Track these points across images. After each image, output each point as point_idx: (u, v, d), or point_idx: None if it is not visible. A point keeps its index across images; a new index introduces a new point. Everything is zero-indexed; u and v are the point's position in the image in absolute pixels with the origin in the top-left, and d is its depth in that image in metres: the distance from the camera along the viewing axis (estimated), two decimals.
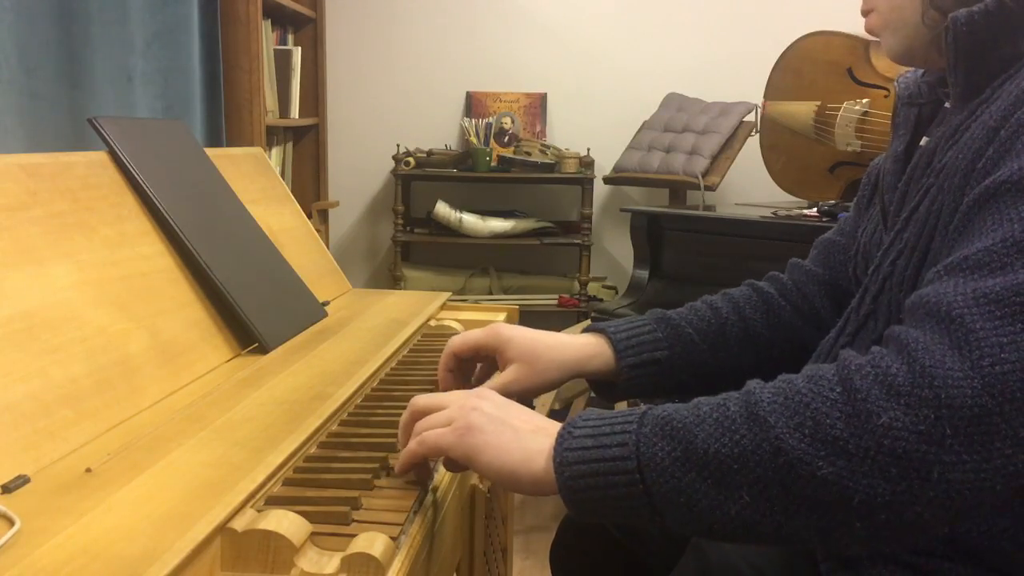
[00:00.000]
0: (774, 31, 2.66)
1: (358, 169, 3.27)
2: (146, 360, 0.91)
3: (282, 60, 2.81)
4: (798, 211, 2.28)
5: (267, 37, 2.66)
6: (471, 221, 2.99)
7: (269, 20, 2.68)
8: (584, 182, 2.96)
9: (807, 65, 2.41)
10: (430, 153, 3.02)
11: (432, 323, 1.38)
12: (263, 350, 1.09)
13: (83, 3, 1.72)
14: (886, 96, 2.21)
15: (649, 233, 2.43)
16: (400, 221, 3.01)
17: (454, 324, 1.38)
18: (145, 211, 1.04)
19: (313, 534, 0.67)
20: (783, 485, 0.60)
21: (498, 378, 0.92)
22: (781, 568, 0.83)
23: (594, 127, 3.17)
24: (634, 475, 0.64)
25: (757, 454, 0.61)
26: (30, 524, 0.62)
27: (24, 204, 0.86)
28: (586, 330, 0.97)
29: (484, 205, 3.10)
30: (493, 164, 3.01)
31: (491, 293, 3.13)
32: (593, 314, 2.46)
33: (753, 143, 2.67)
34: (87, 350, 0.83)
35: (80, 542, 0.60)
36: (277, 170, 1.83)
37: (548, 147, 3.04)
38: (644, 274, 2.44)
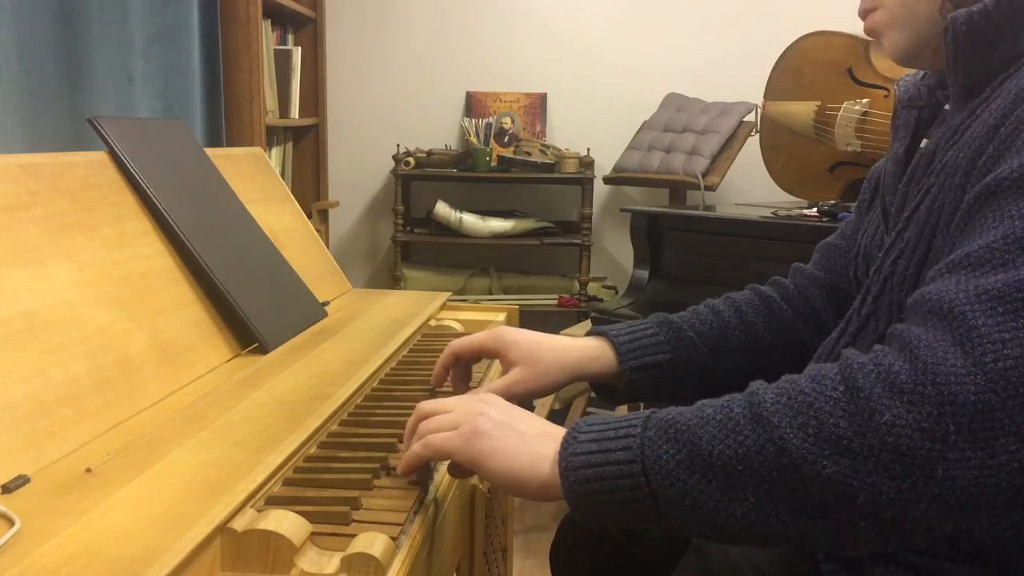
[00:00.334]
0: (774, 31, 2.66)
1: (358, 169, 3.27)
2: (146, 360, 0.91)
3: (282, 60, 2.81)
4: (798, 211, 2.28)
5: (267, 37, 2.66)
6: (471, 221, 2.99)
7: (269, 20, 2.68)
8: (584, 182, 2.96)
9: (807, 65, 2.41)
10: (430, 153, 3.02)
11: (432, 323, 1.38)
12: (263, 350, 1.09)
13: (83, 3, 1.72)
14: (886, 96, 2.21)
15: (649, 233, 2.43)
16: (400, 221, 3.01)
17: (454, 324, 1.39)
18: (145, 211, 1.04)
19: (313, 534, 0.67)
20: (788, 485, 0.60)
21: (501, 380, 0.92)
22: (783, 569, 0.83)
23: (594, 127, 3.17)
24: (639, 478, 0.64)
25: (761, 455, 0.61)
26: (30, 524, 0.62)
27: (24, 204, 0.86)
28: (588, 333, 0.98)
29: (484, 205, 3.10)
30: (493, 164, 3.01)
31: (491, 293, 3.13)
32: (593, 314, 2.46)
33: (753, 143, 2.67)
34: (87, 350, 0.83)
35: (80, 542, 0.60)
36: (277, 170, 1.83)
37: (548, 147, 3.04)
38: (644, 274, 2.44)
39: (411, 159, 2.97)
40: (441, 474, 0.84)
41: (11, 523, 0.62)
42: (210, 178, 1.23)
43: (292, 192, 1.54)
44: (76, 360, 0.82)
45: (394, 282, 3.05)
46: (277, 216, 1.40)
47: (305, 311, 1.25)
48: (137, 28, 1.90)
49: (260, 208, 1.33)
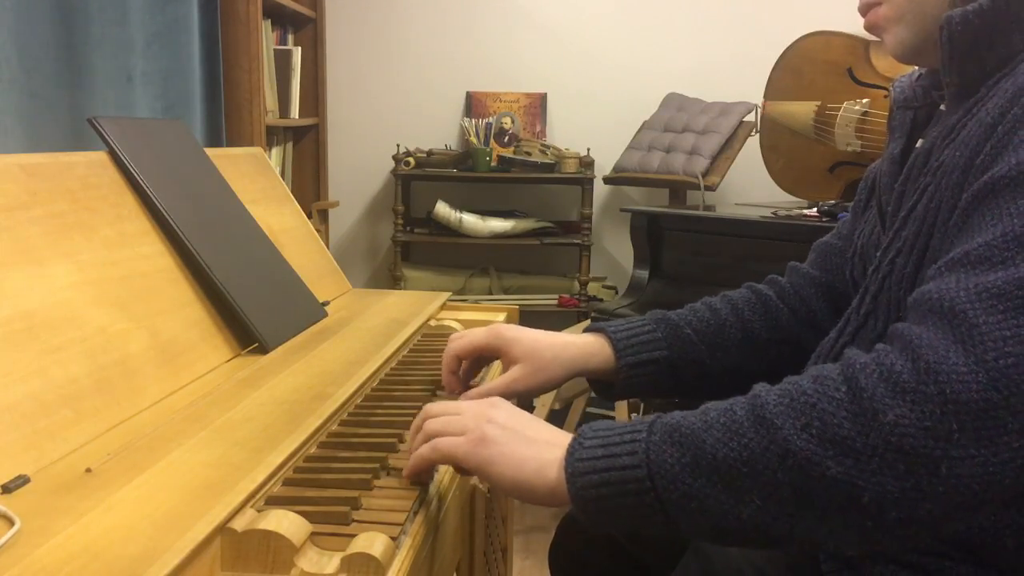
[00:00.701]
0: (774, 31, 2.66)
1: (358, 169, 3.27)
2: (146, 360, 0.91)
3: (282, 60, 2.81)
4: (798, 211, 2.28)
5: (267, 37, 2.66)
6: (471, 221, 2.99)
7: (269, 20, 2.68)
8: (584, 182, 2.96)
9: (807, 65, 2.41)
10: (430, 153, 3.02)
11: (432, 323, 1.38)
12: (263, 350, 1.09)
13: (83, 3, 1.71)
14: (886, 96, 2.21)
15: (649, 233, 2.43)
16: (400, 221, 3.01)
17: (454, 324, 1.38)
18: (145, 211, 1.04)
19: (313, 534, 0.67)
20: (793, 487, 0.60)
21: (502, 378, 0.92)
22: (783, 569, 0.83)
23: (594, 127, 3.16)
24: (645, 483, 0.64)
25: (766, 457, 0.61)
26: (30, 524, 0.62)
27: (24, 204, 0.86)
28: (586, 330, 0.98)
29: (484, 205, 3.10)
30: (493, 164, 3.01)
31: (491, 293, 3.13)
32: (593, 314, 2.46)
33: (753, 143, 2.67)
34: (87, 350, 0.83)
35: (80, 542, 0.60)
36: (277, 170, 1.83)
37: (548, 147, 3.04)
38: (644, 274, 2.44)
39: (411, 159, 2.97)
40: (441, 473, 0.84)
41: (11, 523, 0.62)
42: (210, 178, 1.23)
43: (292, 192, 1.54)
44: (76, 360, 0.82)
45: (394, 282, 3.05)
46: (277, 216, 1.40)
47: (305, 311, 1.25)
48: (137, 28, 1.90)
49: (260, 208, 1.33)
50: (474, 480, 0.99)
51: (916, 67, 0.91)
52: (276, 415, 0.87)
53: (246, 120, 2.35)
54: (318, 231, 1.61)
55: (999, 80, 0.73)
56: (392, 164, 2.99)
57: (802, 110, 2.39)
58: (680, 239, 2.39)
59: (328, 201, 3.15)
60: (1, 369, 0.73)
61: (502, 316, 1.46)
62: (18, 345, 0.76)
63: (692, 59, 3.12)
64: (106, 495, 0.67)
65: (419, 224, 3.12)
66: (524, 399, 0.89)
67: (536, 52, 3.19)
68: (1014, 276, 0.61)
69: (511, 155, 3.03)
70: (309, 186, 3.12)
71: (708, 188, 2.69)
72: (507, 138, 3.13)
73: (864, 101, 2.24)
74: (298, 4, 2.86)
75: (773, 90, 2.52)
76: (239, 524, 0.65)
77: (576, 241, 3.01)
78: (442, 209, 2.99)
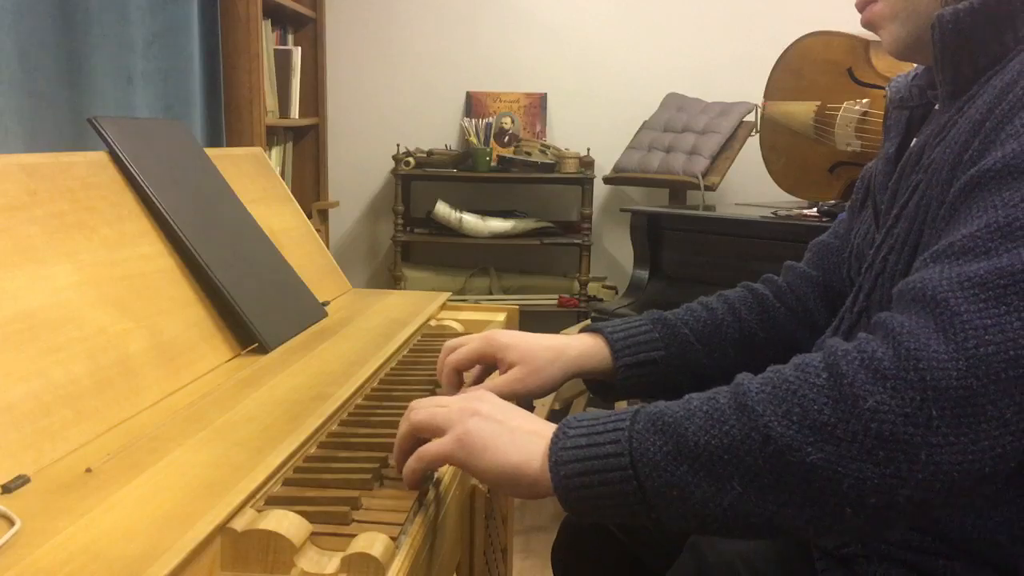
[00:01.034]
0: (774, 31, 2.66)
1: (358, 169, 3.27)
2: (146, 360, 0.91)
3: (282, 60, 2.81)
4: (798, 211, 2.28)
5: (267, 37, 2.66)
6: (471, 221, 2.99)
7: (269, 20, 2.68)
8: (584, 182, 2.96)
9: (807, 65, 2.41)
10: (430, 153, 3.02)
11: (432, 323, 1.38)
12: (263, 350, 1.09)
13: (83, 3, 1.72)
14: (886, 96, 2.21)
15: (649, 233, 2.43)
16: (400, 221, 3.01)
17: (454, 324, 1.39)
18: (145, 211, 1.04)
19: (313, 534, 0.67)
20: (774, 473, 0.60)
21: (500, 380, 0.92)
22: (778, 566, 0.83)
23: (594, 127, 3.16)
24: (627, 471, 0.64)
25: (747, 443, 0.61)
26: (30, 524, 0.62)
27: (24, 204, 0.86)
28: (583, 330, 0.98)
29: (484, 205, 3.10)
30: (493, 164, 3.01)
31: (491, 293, 3.13)
32: (593, 314, 2.46)
33: (753, 143, 2.67)
34: (87, 350, 0.83)
35: (80, 542, 0.60)
36: (277, 170, 1.83)
37: (548, 147, 3.04)
38: (644, 274, 2.44)
39: (411, 159, 2.97)
40: (441, 473, 0.84)
41: (11, 523, 0.62)
42: (210, 178, 1.23)
43: (292, 192, 1.54)
44: (76, 360, 0.82)
45: (394, 282, 3.05)
46: (277, 216, 1.40)
47: (305, 311, 1.25)
48: (137, 28, 1.90)
49: (260, 208, 1.33)
50: (474, 479, 0.99)
51: (914, 67, 0.92)
52: (276, 415, 0.87)
53: (246, 120, 2.35)
54: (318, 231, 1.61)
55: (990, 78, 0.74)
56: (392, 164, 2.99)
57: (802, 110, 2.39)
58: (680, 239, 2.39)
59: (328, 201, 3.15)
60: (1, 369, 0.73)
61: (502, 316, 1.46)
62: (18, 345, 0.76)
63: (692, 59, 3.12)
64: (106, 495, 0.67)
65: (419, 224, 3.13)
66: (523, 402, 0.89)
67: (536, 52, 3.19)
68: (996, 266, 0.61)
69: (511, 155, 3.03)
70: (309, 186, 3.12)
71: (708, 188, 2.69)
72: (507, 138, 3.13)
73: (864, 101, 2.24)
74: (298, 4, 2.86)
75: (773, 90, 2.52)
76: (239, 524, 0.65)
77: (576, 241, 3.01)
78: (442, 209, 2.99)
